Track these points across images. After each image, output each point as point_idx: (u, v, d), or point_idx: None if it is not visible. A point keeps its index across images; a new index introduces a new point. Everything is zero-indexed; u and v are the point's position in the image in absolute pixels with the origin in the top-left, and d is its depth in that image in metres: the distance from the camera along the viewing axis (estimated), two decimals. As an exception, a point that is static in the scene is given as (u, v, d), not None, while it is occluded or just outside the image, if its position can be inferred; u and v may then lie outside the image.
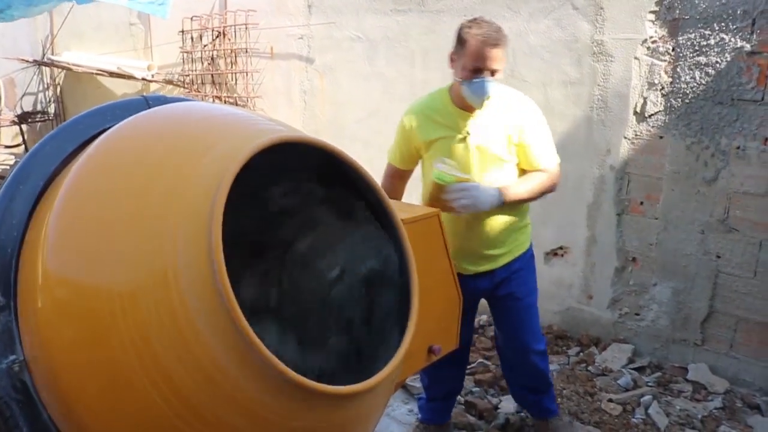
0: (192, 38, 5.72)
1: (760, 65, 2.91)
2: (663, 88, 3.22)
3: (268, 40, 5.14)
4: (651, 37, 3.22)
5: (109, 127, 1.31)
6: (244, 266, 1.37)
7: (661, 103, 3.24)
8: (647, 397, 3.02)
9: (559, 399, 2.95)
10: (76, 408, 1.09)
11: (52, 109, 7.76)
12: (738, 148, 3.01)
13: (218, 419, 1.05)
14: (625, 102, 3.35)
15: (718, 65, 3.02)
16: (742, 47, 2.94)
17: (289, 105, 5.10)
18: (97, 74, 6.67)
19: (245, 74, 5.31)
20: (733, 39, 2.96)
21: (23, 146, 7.70)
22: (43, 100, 7.88)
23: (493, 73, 2.14)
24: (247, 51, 5.25)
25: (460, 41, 2.17)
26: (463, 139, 2.26)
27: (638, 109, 3.32)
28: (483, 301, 2.53)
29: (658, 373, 3.28)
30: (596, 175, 3.51)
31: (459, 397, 2.90)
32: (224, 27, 5.40)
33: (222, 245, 1.00)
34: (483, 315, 3.66)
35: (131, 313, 1.02)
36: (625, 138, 3.38)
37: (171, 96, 2.07)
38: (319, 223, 1.44)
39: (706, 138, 3.11)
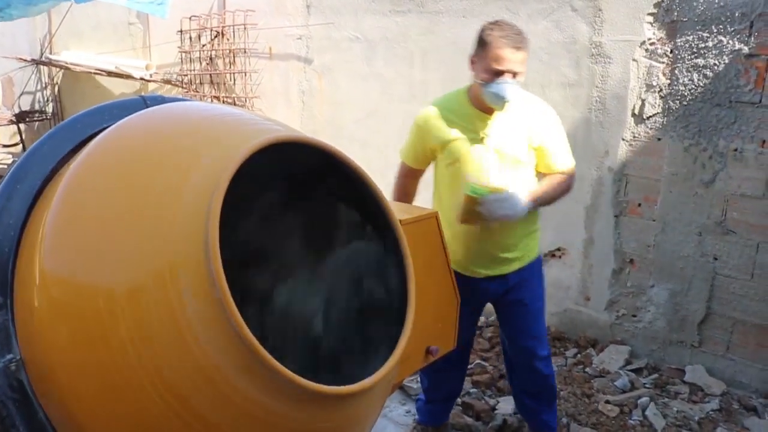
0: (190, 38, 5.72)
1: (757, 67, 2.91)
2: (661, 90, 3.22)
3: (267, 41, 5.14)
4: (649, 39, 3.23)
5: (107, 127, 1.31)
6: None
7: (659, 105, 3.24)
8: (644, 399, 3.02)
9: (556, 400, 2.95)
10: (73, 408, 1.09)
11: (50, 109, 7.76)
12: (735, 150, 3.02)
13: (217, 419, 1.04)
14: (623, 104, 3.36)
15: (716, 67, 3.03)
16: (739, 49, 2.94)
17: (287, 105, 5.10)
18: (95, 73, 6.67)
19: (243, 74, 5.31)
20: (731, 41, 2.96)
21: (21, 145, 7.70)
22: (41, 100, 7.87)
23: (514, 75, 2.13)
24: (245, 51, 5.24)
25: (482, 43, 2.16)
26: (481, 141, 2.25)
27: (636, 111, 3.32)
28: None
29: (655, 375, 3.29)
30: (594, 177, 3.51)
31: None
32: (223, 27, 5.40)
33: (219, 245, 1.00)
34: (481, 317, 3.65)
35: (129, 313, 1.02)
36: (623, 140, 3.38)
37: (169, 96, 2.07)
38: (295, 267, 1.44)
39: (704, 140, 3.11)
